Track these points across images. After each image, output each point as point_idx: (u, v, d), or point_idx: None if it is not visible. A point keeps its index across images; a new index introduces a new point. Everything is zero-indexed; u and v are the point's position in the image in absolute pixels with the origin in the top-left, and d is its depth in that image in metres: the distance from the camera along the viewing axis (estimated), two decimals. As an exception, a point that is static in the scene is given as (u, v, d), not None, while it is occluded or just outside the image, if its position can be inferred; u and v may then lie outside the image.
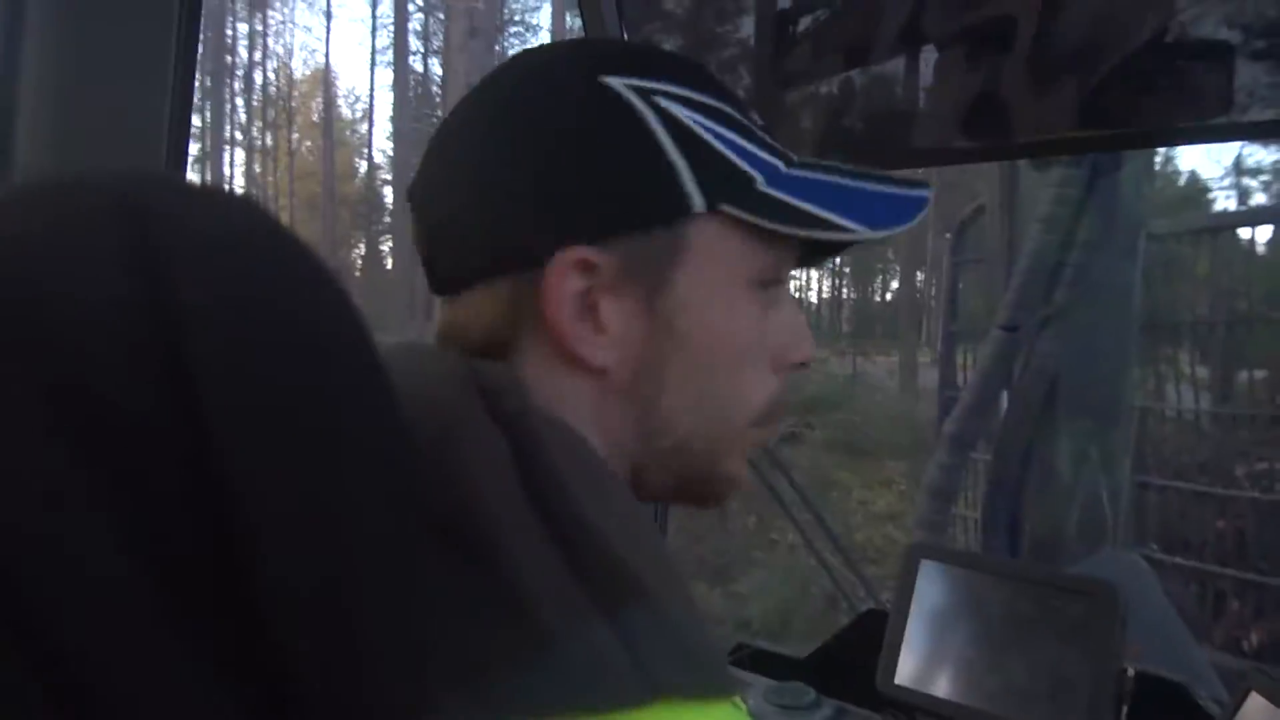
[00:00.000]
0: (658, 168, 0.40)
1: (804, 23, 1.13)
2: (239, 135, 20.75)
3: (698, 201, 0.41)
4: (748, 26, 1.19)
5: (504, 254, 0.41)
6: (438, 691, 0.32)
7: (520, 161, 0.41)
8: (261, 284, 0.25)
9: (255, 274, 0.25)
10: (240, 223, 0.26)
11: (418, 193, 0.44)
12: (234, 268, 0.24)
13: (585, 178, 0.40)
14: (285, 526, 0.23)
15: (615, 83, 0.41)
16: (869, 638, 1.18)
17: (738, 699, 0.38)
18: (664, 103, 0.41)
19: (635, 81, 0.41)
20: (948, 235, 6.72)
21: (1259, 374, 4.95)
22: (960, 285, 5.48)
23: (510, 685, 0.33)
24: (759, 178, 0.43)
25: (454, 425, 0.37)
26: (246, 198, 0.28)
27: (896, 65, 1.07)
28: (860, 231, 0.43)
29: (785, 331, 0.46)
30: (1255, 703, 0.80)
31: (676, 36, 1.27)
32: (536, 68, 0.44)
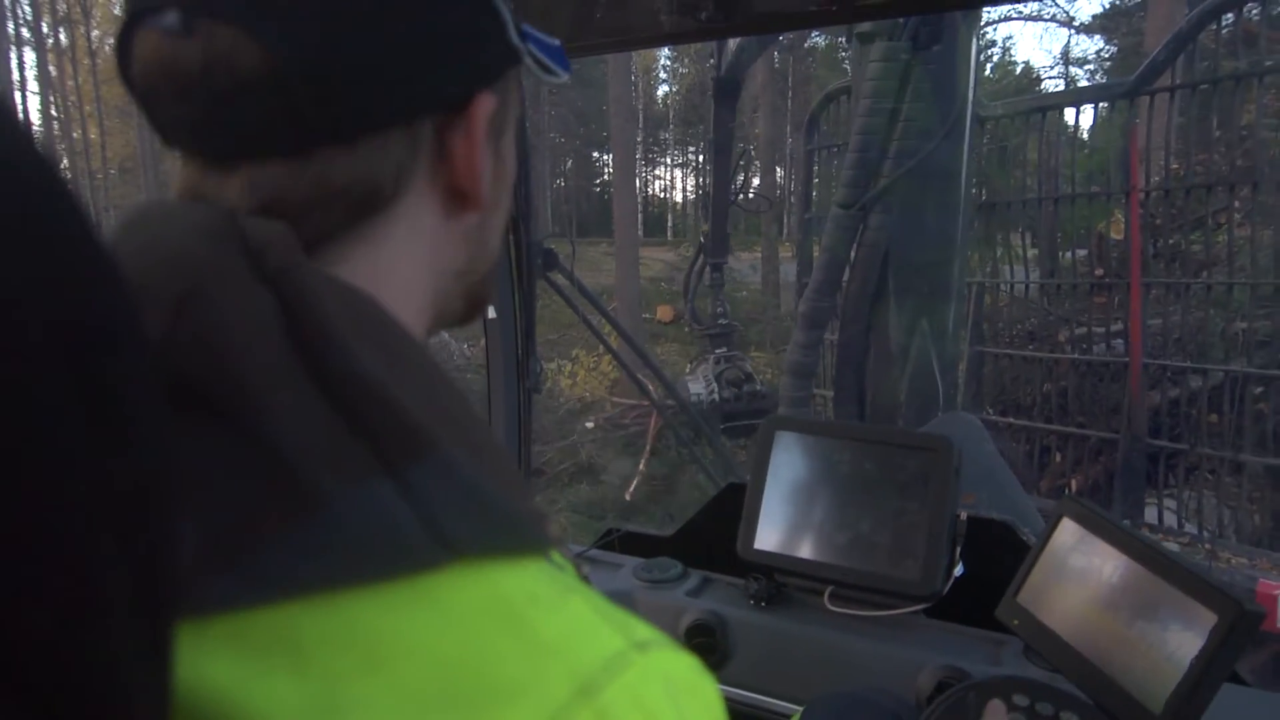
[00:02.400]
0: (497, 15, 0.40)
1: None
2: (26, 32, 18.15)
3: (521, 50, 0.42)
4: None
5: (420, 99, 0.38)
6: (195, 575, 0.28)
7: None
8: None
9: None
10: None
11: (269, 27, 0.34)
12: None
13: (476, 22, 0.39)
14: None
15: None
16: (731, 510, 1.22)
17: (556, 555, 0.36)
18: None
19: None
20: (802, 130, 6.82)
21: (1080, 250, 5.40)
22: (815, 174, 5.61)
23: (282, 559, 0.29)
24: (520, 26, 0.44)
25: (206, 282, 0.32)
26: None
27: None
28: (563, 75, 0.46)
29: None
30: (1067, 526, 0.88)
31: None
32: None
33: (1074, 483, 4.56)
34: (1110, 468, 4.46)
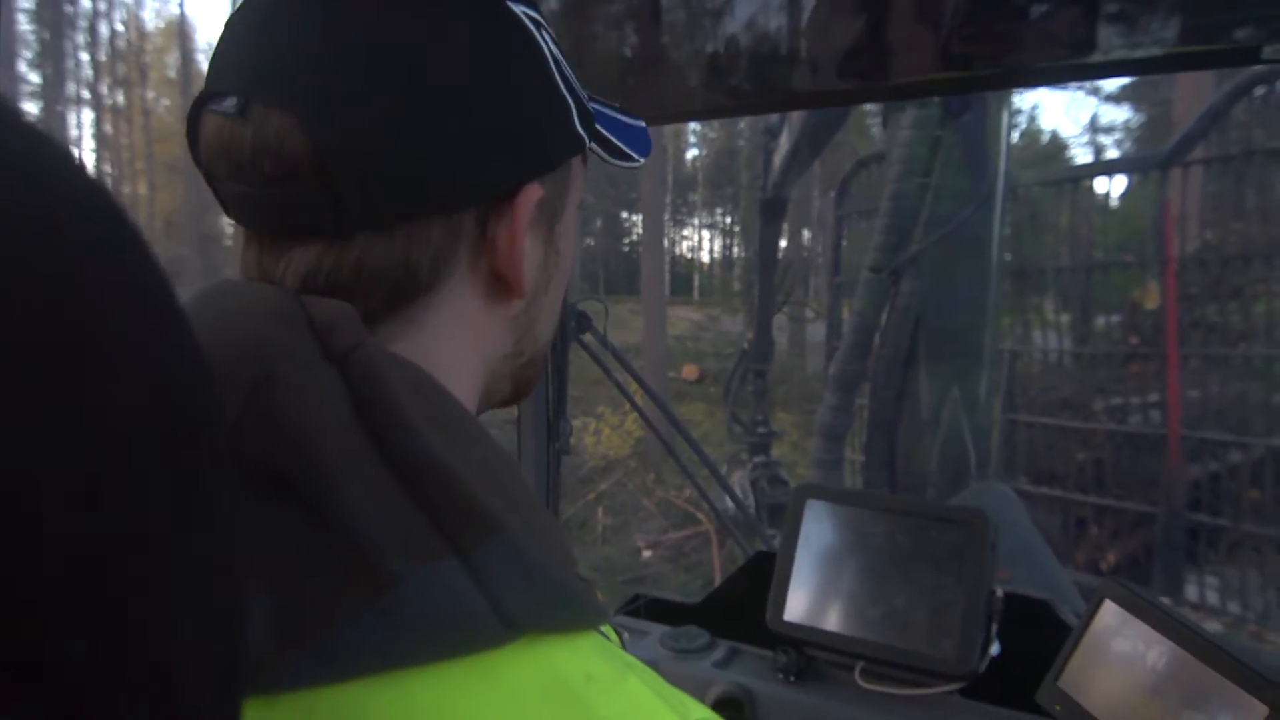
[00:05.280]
0: (560, 105, 0.41)
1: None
2: (86, 93, 19.01)
3: (585, 139, 0.43)
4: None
5: (461, 193, 0.38)
6: (266, 653, 0.29)
7: (462, 90, 0.37)
8: None
9: None
10: None
11: (317, 116, 0.35)
12: None
13: (528, 112, 0.40)
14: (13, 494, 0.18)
15: (517, 10, 0.40)
16: (760, 579, 1.20)
17: (606, 628, 0.37)
18: (546, 35, 0.41)
19: (526, 9, 0.40)
20: (832, 194, 6.90)
21: (1114, 317, 5.35)
22: (844, 240, 5.65)
23: (355, 637, 0.30)
24: (591, 112, 0.45)
25: (278, 364, 0.33)
26: None
27: (776, 14, 1.06)
28: (638, 161, 0.47)
29: None
30: (1109, 609, 0.85)
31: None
32: None
33: (1111, 556, 4.42)
34: (1148, 541, 4.33)
